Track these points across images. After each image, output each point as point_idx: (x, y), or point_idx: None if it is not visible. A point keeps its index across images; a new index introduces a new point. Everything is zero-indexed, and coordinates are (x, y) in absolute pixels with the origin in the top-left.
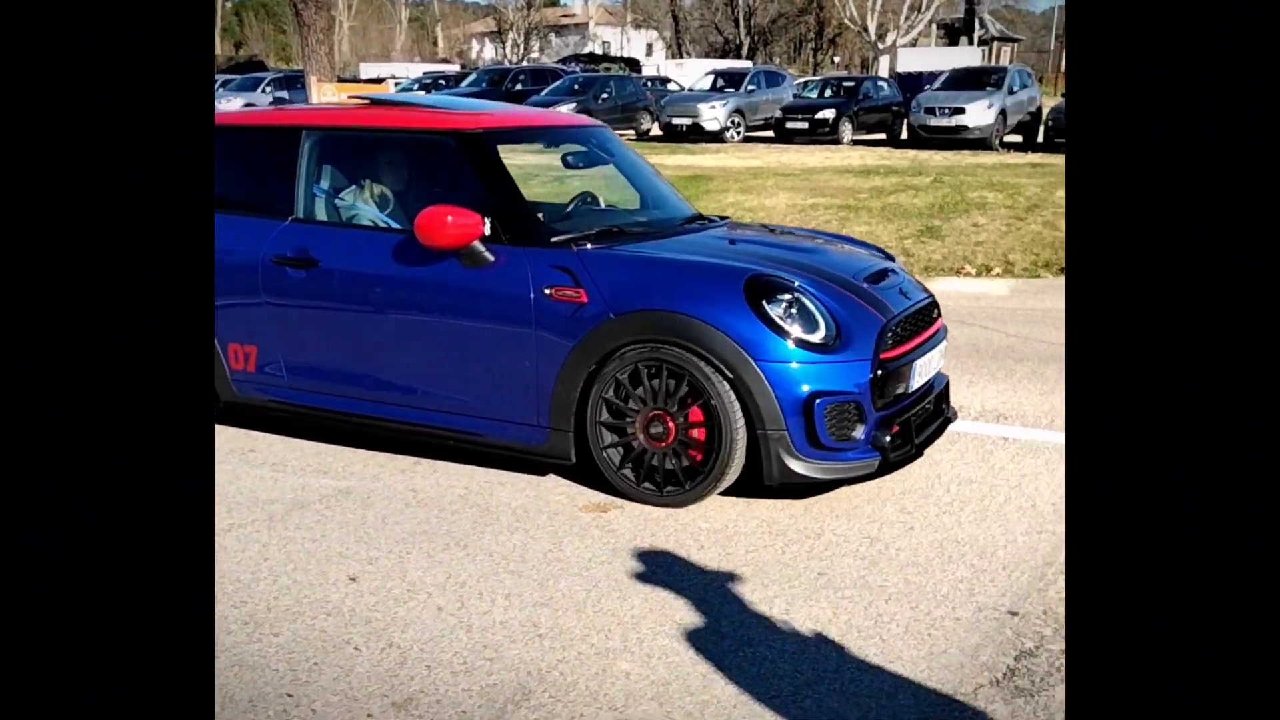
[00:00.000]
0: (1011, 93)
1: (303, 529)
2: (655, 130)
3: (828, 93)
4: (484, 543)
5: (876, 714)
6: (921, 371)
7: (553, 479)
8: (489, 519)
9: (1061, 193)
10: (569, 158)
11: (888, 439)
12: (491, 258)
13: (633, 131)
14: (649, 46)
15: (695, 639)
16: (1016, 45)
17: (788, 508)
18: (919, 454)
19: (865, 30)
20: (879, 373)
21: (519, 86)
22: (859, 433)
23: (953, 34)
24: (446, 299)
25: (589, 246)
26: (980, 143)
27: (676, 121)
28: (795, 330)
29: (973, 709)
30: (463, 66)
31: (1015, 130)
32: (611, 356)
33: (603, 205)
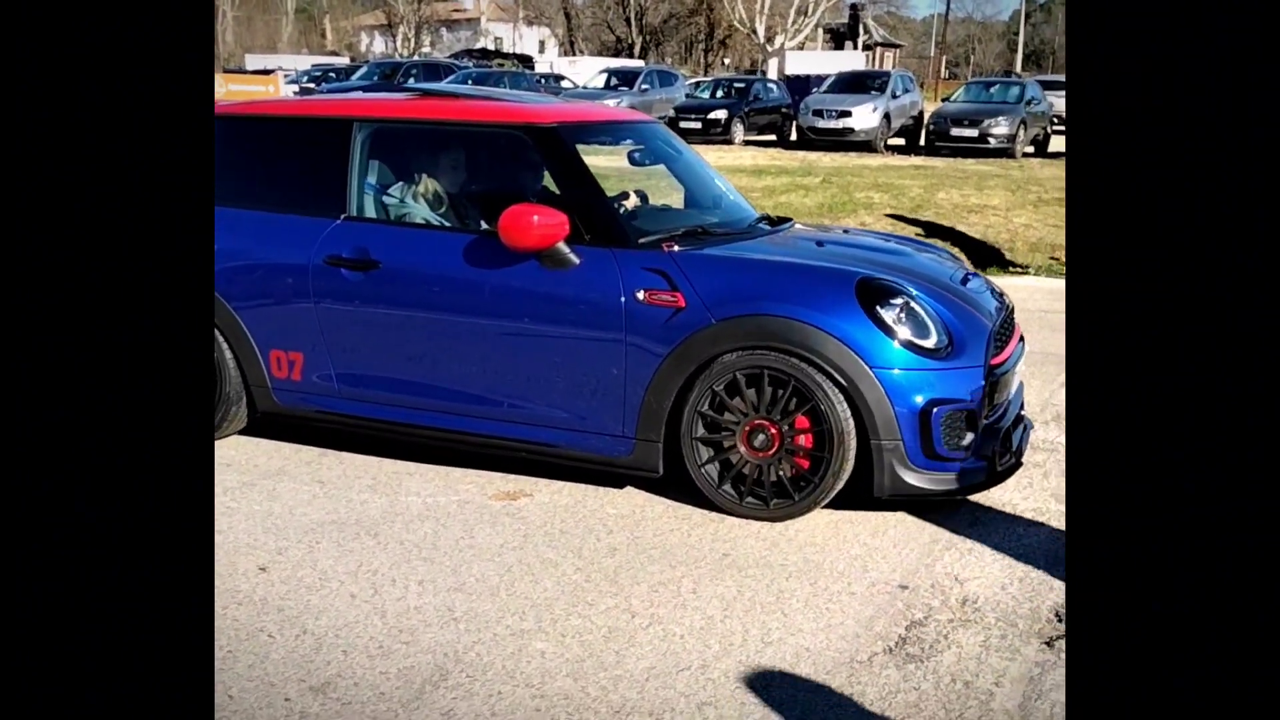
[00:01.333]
0: (895, 97)
1: None
2: None
3: (719, 93)
4: (394, 531)
5: (780, 682)
6: (1018, 378)
7: (460, 470)
8: (398, 508)
9: (942, 194)
10: (635, 154)
11: (993, 448)
12: (576, 260)
13: None
14: (541, 44)
15: (607, 618)
16: (898, 51)
17: (693, 495)
18: (1019, 464)
19: (754, 33)
20: (989, 379)
21: (411, 81)
22: (968, 442)
23: (838, 38)
24: (525, 303)
25: (676, 248)
26: (866, 145)
27: None
28: (909, 335)
29: (868, 675)
30: (352, 60)
31: (899, 134)
32: (710, 364)
33: (649, 204)
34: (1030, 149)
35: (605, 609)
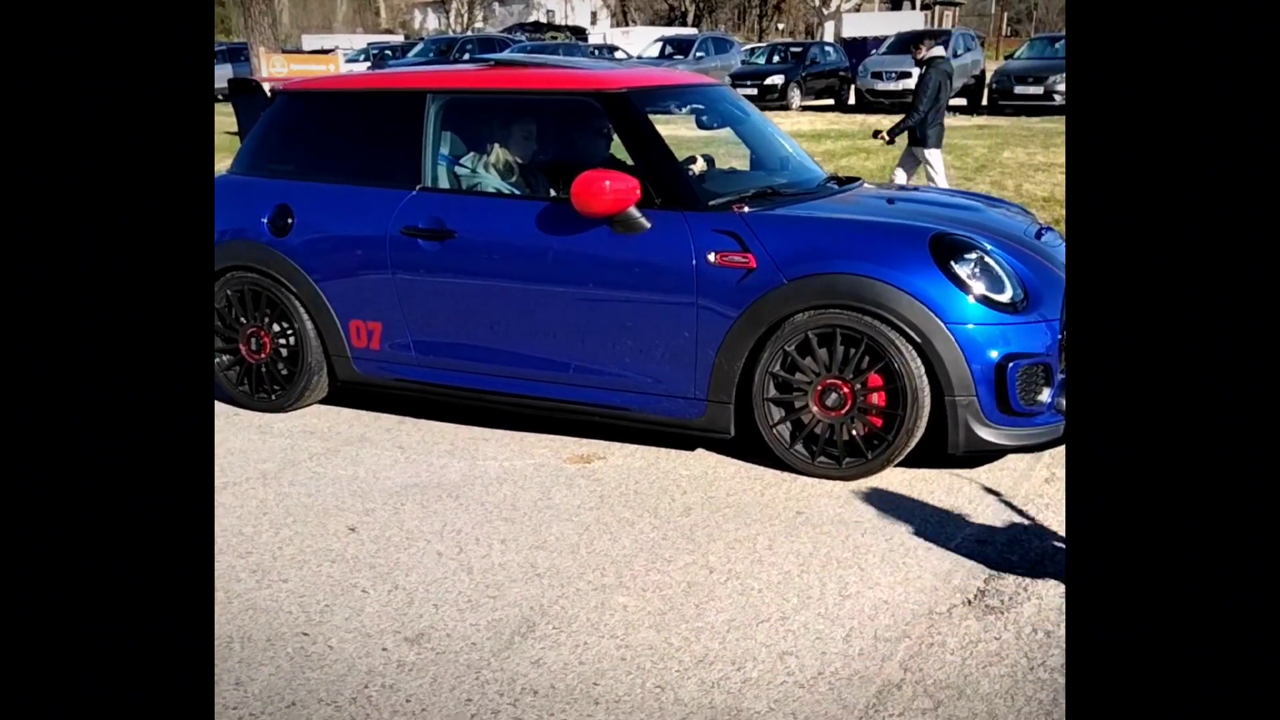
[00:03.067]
0: (956, 56)
1: (297, 485)
2: None
3: (775, 59)
4: (474, 493)
5: (860, 633)
6: None
7: (534, 435)
8: (477, 472)
9: (1008, 153)
10: (702, 118)
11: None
12: (647, 224)
13: None
14: (593, 15)
15: (685, 574)
16: (958, 9)
17: (764, 455)
18: None
19: None
20: (1066, 333)
21: (466, 56)
22: (1045, 396)
23: None
24: (597, 268)
25: (747, 209)
26: None
27: None
28: (983, 290)
29: (948, 626)
30: (406, 37)
31: (960, 93)
32: (781, 324)
33: (717, 168)
34: None
35: (683, 565)
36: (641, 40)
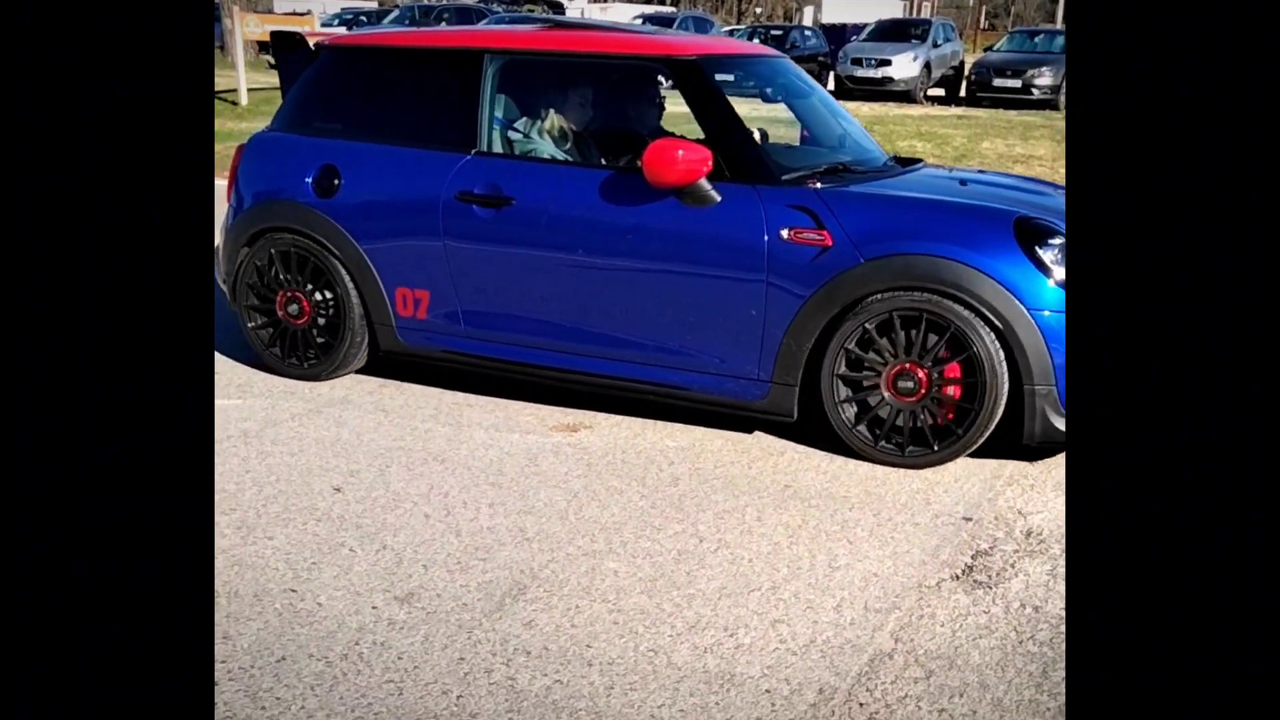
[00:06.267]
0: (936, 46)
1: (279, 445)
2: None
3: (755, 41)
4: (461, 457)
5: (850, 604)
6: None
7: (519, 402)
8: (463, 436)
9: (986, 144)
10: (768, 90)
11: None
12: (718, 197)
13: None
14: None
15: (676, 542)
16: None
17: (752, 428)
18: None
19: None
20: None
21: (443, 25)
22: None
23: None
24: (663, 242)
25: (819, 185)
26: (905, 95)
27: None
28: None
29: (937, 599)
30: (380, 3)
31: (938, 84)
32: (856, 305)
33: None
34: None
35: (673, 533)
36: (620, 17)
